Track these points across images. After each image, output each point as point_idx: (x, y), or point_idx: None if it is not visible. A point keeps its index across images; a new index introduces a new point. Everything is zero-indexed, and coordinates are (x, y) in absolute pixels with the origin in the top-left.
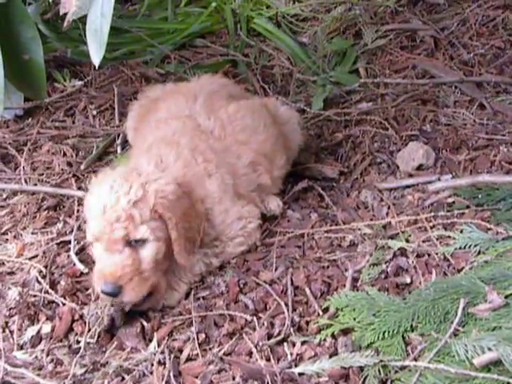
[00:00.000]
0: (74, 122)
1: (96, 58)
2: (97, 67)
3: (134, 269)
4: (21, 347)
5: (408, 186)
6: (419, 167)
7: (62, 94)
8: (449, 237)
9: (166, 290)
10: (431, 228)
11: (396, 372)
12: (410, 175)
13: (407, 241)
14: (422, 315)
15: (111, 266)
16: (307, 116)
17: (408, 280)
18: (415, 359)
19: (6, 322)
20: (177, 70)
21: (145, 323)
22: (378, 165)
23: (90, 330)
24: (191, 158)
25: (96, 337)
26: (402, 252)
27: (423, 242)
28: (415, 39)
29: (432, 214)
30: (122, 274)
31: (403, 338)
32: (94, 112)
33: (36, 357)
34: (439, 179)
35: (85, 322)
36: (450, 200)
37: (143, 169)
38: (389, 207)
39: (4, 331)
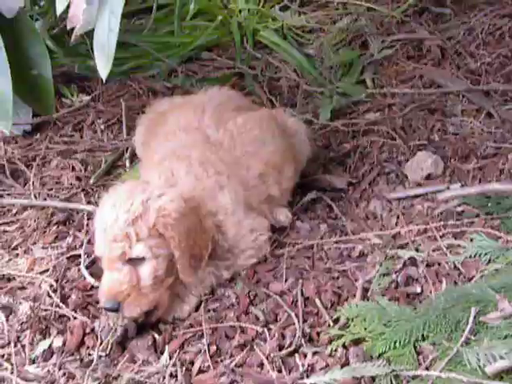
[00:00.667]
0: (82, 137)
1: (104, 71)
2: (104, 81)
3: (132, 285)
4: (33, 361)
5: (417, 196)
6: (428, 176)
7: (70, 108)
8: (459, 246)
9: (176, 302)
10: (441, 237)
11: (408, 382)
12: (419, 185)
13: (417, 250)
14: (433, 324)
15: (109, 284)
16: (315, 127)
17: (418, 289)
18: (427, 368)
19: (18, 337)
20: (184, 83)
21: (156, 336)
22: (386, 175)
23: (101, 343)
24: (202, 172)
25: (108, 349)
26: (412, 261)
27: (433, 251)
28: (422, 49)
29: (441, 223)
30: (119, 290)
31: (415, 347)
32: (102, 126)
33: (48, 371)
34: (448, 188)
35: (96, 336)
36: (459, 209)
37: (153, 183)
38: (398, 217)
39: (16, 345)
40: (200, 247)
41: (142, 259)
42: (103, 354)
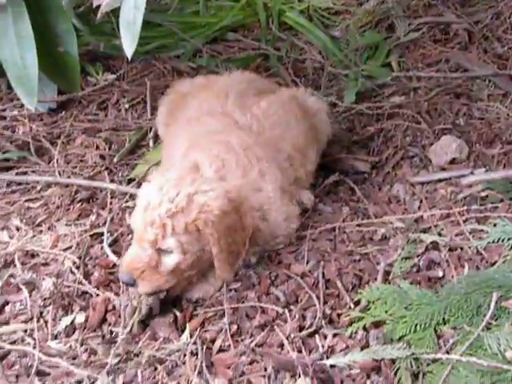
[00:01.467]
0: (106, 116)
1: (129, 50)
2: (129, 59)
3: (149, 266)
4: (55, 337)
5: (441, 180)
6: (452, 161)
7: (95, 87)
8: (482, 230)
9: (201, 283)
10: (464, 222)
11: (428, 365)
12: (443, 169)
13: (439, 234)
14: (454, 308)
15: (130, 258)
16: (339, 110)
17: (440, 274)
18: (447, 352)
19: (41, 312)
20: (208, 63)
21: (177, 314)
22: (410, 159)
23: (125, 321)
24: (247, 162)
25: (131, 328)
26: (435, 246)
27: (456, 235)
28: (449, 32)
29: (465, 207)
30: (136, 266)
31: (435, 331)
32: (127, 105)
33: (70, 346)
34: (472, 173)
35: (119, 314)
36: (483, 194)
37: (204, 171)
38: (421, 201)
39: (38, 321)
40: (238, 245)
41: (169, 252)
42: (125, 330)
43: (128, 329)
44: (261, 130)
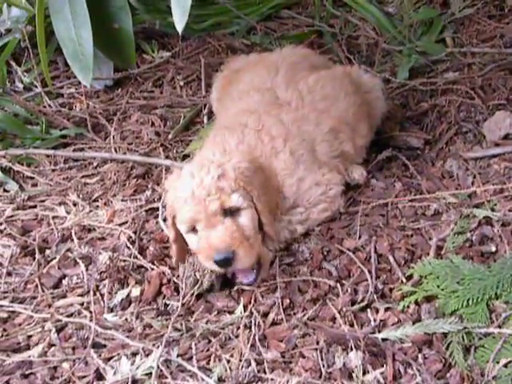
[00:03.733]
0: (161, 93)
1: (179, 25)
2: (180, 34)
3: (241, 234)
4: (111, 310)
5: (494, 156)
6: (506, 136)
7: (151, 65)
8: None
9: None
10: None
11: (480, 339)
12: (497, 144)
13: (493, 210)
14: (506, 283)
15: (219, 236)
16: (393, 86)
17: (493, 248)
18: (499, 326)
19: (97, 286)
20: (262, 41)
21: (231, 288)
22: (463, 134)
23: (183, 292)
24: (257, 140)
25: (188, 300)
26: (488, 221)
27: (509, 210)
28: (503, 8)
29: None
30: (231, 239)
31: (487, 305)
32: (182, 83)
33: (126, 319)
34: None
35: (175, 287)
36: None
37: (210, 158)
38: (474, 176)
39: (95, 294)
40: (273, 202)
41: (238, 209)
42: (179, 304)
43: (186, 299)
44: (300, 104)
